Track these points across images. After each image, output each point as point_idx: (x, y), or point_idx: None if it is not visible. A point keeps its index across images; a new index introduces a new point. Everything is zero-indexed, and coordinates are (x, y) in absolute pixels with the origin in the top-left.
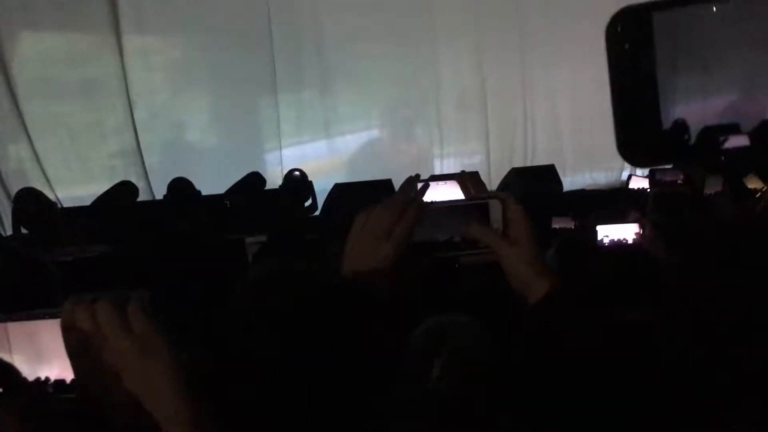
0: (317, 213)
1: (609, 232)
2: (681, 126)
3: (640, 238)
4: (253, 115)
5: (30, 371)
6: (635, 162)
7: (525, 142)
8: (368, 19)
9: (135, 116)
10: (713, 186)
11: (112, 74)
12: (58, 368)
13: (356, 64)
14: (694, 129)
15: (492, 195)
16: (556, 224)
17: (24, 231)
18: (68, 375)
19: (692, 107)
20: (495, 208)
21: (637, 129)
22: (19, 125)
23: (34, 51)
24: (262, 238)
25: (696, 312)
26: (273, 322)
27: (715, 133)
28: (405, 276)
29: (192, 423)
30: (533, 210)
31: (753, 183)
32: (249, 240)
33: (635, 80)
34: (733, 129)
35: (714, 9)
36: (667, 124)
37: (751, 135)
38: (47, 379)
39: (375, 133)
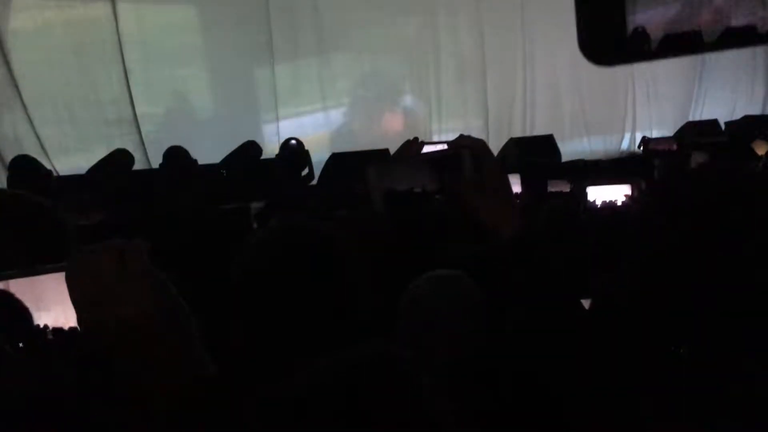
0: (314, 182)
1: (600, 194)
2: (641, 34)
3: (630, 200)
4: (249, 85)
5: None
6: (596, 61)
7: (524, 112)
8: None
9: (131, 85)
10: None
11: (108, 42)
12: (56, 317)
13: (354, 34)
14: (655, 36)
15: (463, 145)
16: (552, 188)
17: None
18: (66, 323)
19: (652, 13)
20: (467, 159)
21: (600, 30)
22: (14, 94)
23: (29, 19)
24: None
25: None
26: (283, 276)
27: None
28: (384, 225)
29: (193, 360)
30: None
31: (761, 148)
32: (254, 205)
33: None
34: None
35: None
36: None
37: None
38: (46, 326)
39: (372, 103)
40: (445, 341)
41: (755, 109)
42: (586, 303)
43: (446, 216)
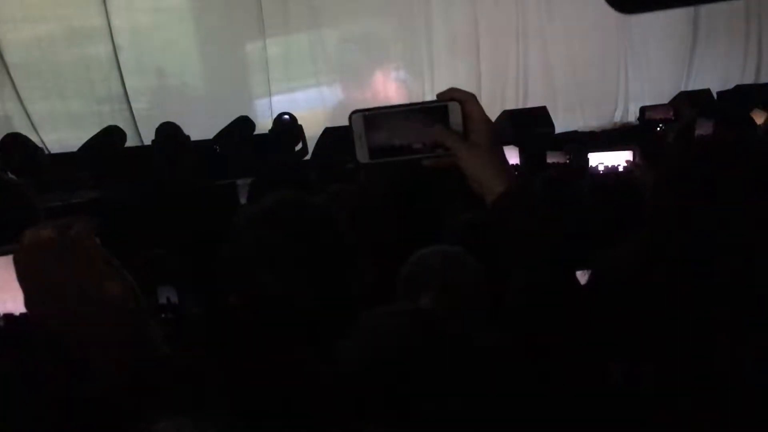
0: (308, 157)
1: (601, 160)
2: None
3: (632, 165)
4: (241, 60)
5: None
6: (621, 9)
7: (517, 85)
8: None
9: (121, 61)
10: (704, 129)
11: (96, 18)
12: (8, 301)
13: (345, 7)
14: None
15: (451, 97)
16: (551, 159)
17: (10, 176)
18: (17, 309)
19: None
20: (454, 111)
21: None
22: (3, 71)
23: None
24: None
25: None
26: (274, 253)
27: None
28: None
29: (143, 344)
30: (526, 151)
31: (760, 117)
32: (240, 182)
33: None
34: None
35: None
36: None
37: None
38: None
39: (365, 77)
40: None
41: (748, 79)
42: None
43: (437, 175)
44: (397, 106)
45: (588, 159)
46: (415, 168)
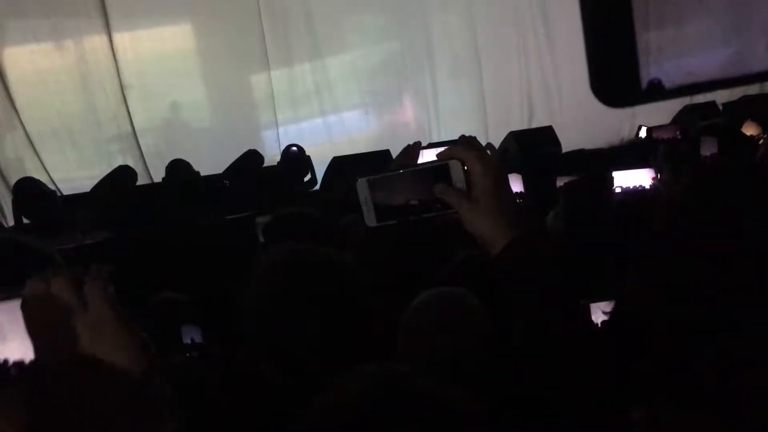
0: (317, 187)
1: (624, 179)
2: (657, 86)
3: (658, 182)
4: (247, 94)
5: None
6: (609, 104)
7: (521, 106)
8: None
9: (128, 100)
10: (709, 148)
11: (102, 58)
12: (18, 350)
13: (346, 37)
14: (670, 86)
15: (451, 156)
16: (561, 182)
17: (25, 221)
18: (27, 356)
19: (668, 65)
20: (456, 169)
21: (612, 72)
22: (13, 115)
23: (22, 37)
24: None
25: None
26: (293, 305)
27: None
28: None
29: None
30: (534, 172)
31: (750, 129)
32: (259, 220)
33: (609, 20)
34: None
35: None
36: (644, 77)
37: None
38: (6, 361)
39: (370, 105)
40: (446, 364)
41: (753, 88)
42: (601, 306)
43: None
44: (400, 169)
45: (613, 178)
46: (423, 223)
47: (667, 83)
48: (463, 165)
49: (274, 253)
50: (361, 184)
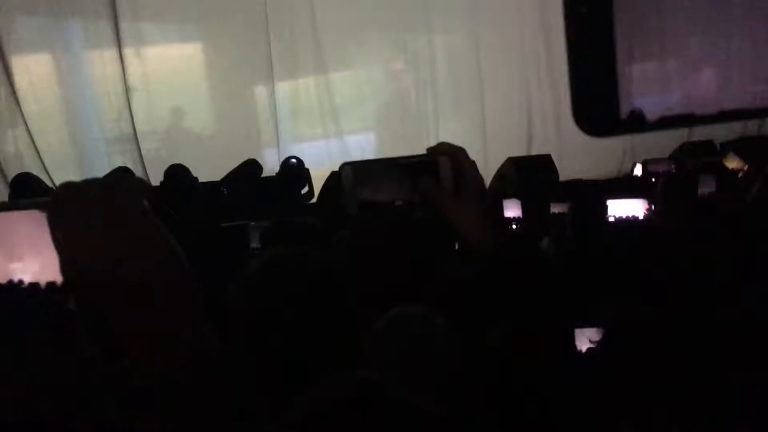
0: (313, 200)
1: (618, 208)
2: (637, 116)
3: (651, 213)
4: (250, 103)
5: (2, 273)
6: (591, 133)
7: (521, 132)
8: (364, 9)
9: (131, 103)
10: (706, 185)
11: (108, 61)
12: (32, 271)
13: (352, 53)
14: (651, 116)
15: (442, 152)
16: (555, 210)
17: None
18: (42, 277)
19: (649, 97)
20: (444, 165)
21: (594, 103)
22: (17, 111)
23: (31, 36)
24: (265, 223)
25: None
26: (281, 308)
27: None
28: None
29: (192, 331)
30: (530, 198)
31: (732, 162)
32: (253, 225)
33: (593, 51)
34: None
35: None
36: (625, 108)
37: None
38: (20, 281)
39: (371, 123)
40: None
41: (751, 129)
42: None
43: (429, 227)
44: (388, 160)
45: (607, 206)
46: (406, 220)
47: (648, 115)
48: (452, 162)
49: (261, 255)
50: (346, 171)
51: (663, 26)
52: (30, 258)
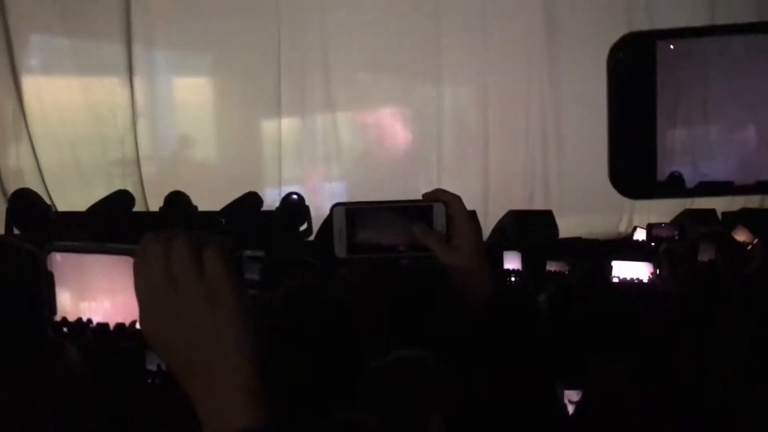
0: (312, 238)
1: (622, 270)
2: (677, 180)
3: (656, 278)
4: (255, 137)
5: (72, 310)
6: (628, 195)
7: (524, 184)
8: (375, 51)
9: (137, 127)
10: (707, 253)
11: (118, 84)
12: (103, 312)
13: (360, 95)
14: (689, 183)
15: (437, 198)
16: (551, 267)
17: (16, 231)
18: (112, 319)
19: (688, 163)
20: (439, 212)
21: (632, 165)
22: (23, 127)
23: (42, 55)
24: (259, 253)
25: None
26: (295, 341)
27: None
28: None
29: (246, 385)
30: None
31: (741, 235)
32: (246, 254)
33: (633, 114)
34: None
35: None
36: (662, 173)
37: None
38: (89, 321)
39: (374, 163)
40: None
41: (753, 201)
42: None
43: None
44: (381, 203)
45: (611, 267)
46: (398, 268)
47: (687, 181)
48: (447, 209)
49: (286, 283)
50: (338, 212)
51: (707, 93)
52: (103, 298)
